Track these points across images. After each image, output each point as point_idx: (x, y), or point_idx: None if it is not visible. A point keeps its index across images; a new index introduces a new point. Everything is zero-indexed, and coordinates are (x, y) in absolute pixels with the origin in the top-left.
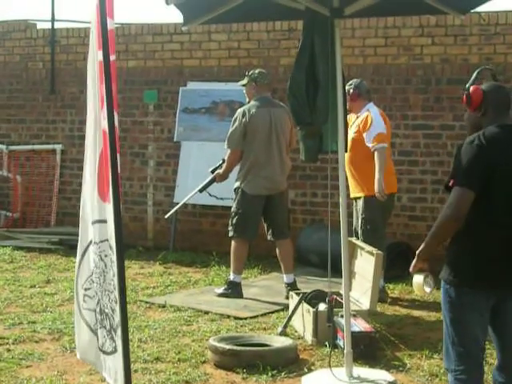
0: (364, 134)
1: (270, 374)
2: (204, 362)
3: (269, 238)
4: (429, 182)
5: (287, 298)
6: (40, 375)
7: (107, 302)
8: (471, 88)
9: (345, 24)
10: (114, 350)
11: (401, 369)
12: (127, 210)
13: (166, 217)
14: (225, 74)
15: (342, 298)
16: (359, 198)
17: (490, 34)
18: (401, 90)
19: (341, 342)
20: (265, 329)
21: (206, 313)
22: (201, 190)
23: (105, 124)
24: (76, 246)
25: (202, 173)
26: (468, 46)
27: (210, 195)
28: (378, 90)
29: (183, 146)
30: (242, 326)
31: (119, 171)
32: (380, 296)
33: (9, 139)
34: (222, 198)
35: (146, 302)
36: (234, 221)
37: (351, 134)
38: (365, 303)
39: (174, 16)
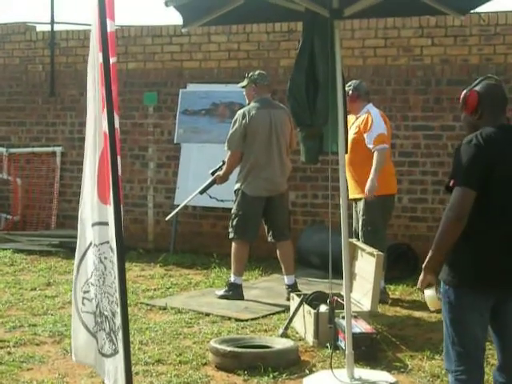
0: (365, 135)
1: (271, 375)
2: (205, 364)
3: (269, 239)
4: (429, 182)
5: (288, 299)
6: (41, 378)
7: (107, 304)
8: (467, 92)
9: (344, 25)
10: (114, 353)
11: (402, 370)
12: (128, 212)
13: (166, 219)
14: (225, 75)
15: (342, 300)
16: (359, 199)
17: (490, 35)
18: (401, 90)
19: (342, 344)
20: (266, 330)
21: (207, 315)
22: (201, 192)
23: (105, 126)
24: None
25: (203, 175)
26: (468, 47)
27: (211, 197)
28: (378, 91)
29: (183, 148)
30: (242, 327)
31: (120, 173)
32: (381, 297)
33: (9, 142)
34: (222, 200)
35: (147, 305)
36: (235, 222)
37: (351, 134)
38: (366, 304)
39: (174, 18)
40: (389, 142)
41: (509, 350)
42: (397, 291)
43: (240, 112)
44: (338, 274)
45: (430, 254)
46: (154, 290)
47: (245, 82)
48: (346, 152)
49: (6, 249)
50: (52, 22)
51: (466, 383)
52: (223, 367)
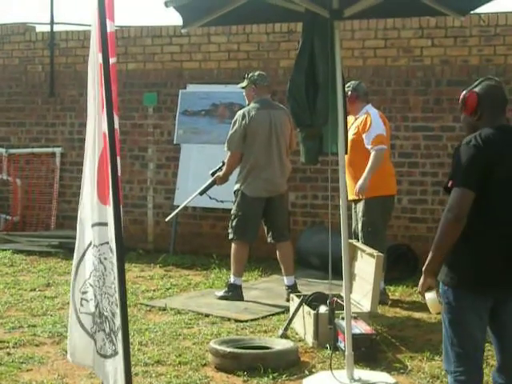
0: (363, 136)
1: (270, 376)
2: (205, 364)
3: (269, 240)
4: (429, 183)
5: (288, 300)
6: (40, 379)
7: (107, 305)
8: (466, 93)
9: (344, 26)
10: (114, 353)
11: (402, 371)
12: (127, 213)
13: (166, 220)
14: (224, 76)
15: (342, 300)
16: (359, 200)
17: (490, 36)
18: (401, 91)
19: (342, 344)
20: (265, 331)
21: (207, 315)
22: (201, 193)
23: (105, 127)
24: None
25: (202, 175)
26: (468, 48)
27: (211, 198)
28: (378, 91)
29: (183, 149)
30: (242, 328)
31: (119, 174)
32: (381, 298)
33: (8, 142)
34: (222, 201)
35: (147, 305)
36: (234, 223)
37: (350, 135)
38: (365, 305)
39: (174, 18)
40: (388, 142)
41: (508, 351)
42: (397, 292)
43: (240, 113)
44: (337, 274)
45: (429, 256)
46: (154, 290)
47: (245, 83)
48: (346, 153)
49: (5, 249)
50: (52, 23)
51: None
52: (223, 368)
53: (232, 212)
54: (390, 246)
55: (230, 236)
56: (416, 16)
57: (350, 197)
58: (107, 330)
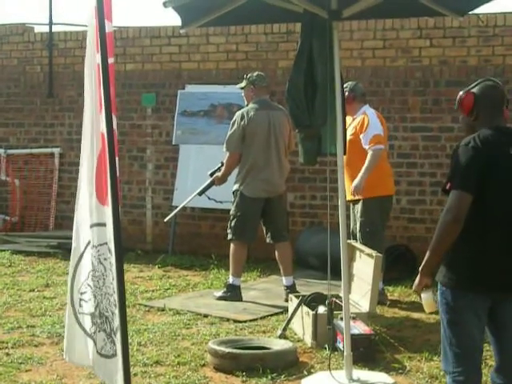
0: (361, 136)
1: (269, 376)
2: (203, 365)
3: (268, 240)
4: (428, 184)
5: (286, 300)
6: (39, 379)
7: (107, 305)
8: (463, 94)
9: (343, 26)
10: (115, 354)
11: (400, 371)
12: (126, 214)
13: (165, 220)
14: (223, 76)
15: (341, 301)
16: (357, 200)
17: (489, 36)
18: (399, 92)
19: (340, 345)
20: (264, 332)
21: (206, 316)
22: (200, 194)
23: (103, 127)
24: None
25: (201, 176)
26: (466, 48)
27: (209, 198)
28: (377, 92)
29: (182, 149)
30: (241, 329)
31: (118, 175)
32: (379, 298)
33: (7, 143)
34: (221, 201)
35: (145, 306)
36: (233, 223)
37: (348, 136)
38: (364, 306)
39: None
40: (385, 142)
41: (506, 352)
42: (395, 292)
43: (238, 113)
44: (336, 275)
45: (426, 257)
46: (153, 291)
47: (243, 84)
48: (345, 153)
49: (4, 250)
50: (50, 23)
51: None
52: (221, 368)
53: (231, 212)
54: (389, 246)
55: (229, 236)
56: (414, 16)
57: (349, 197)
58: (108, 330)
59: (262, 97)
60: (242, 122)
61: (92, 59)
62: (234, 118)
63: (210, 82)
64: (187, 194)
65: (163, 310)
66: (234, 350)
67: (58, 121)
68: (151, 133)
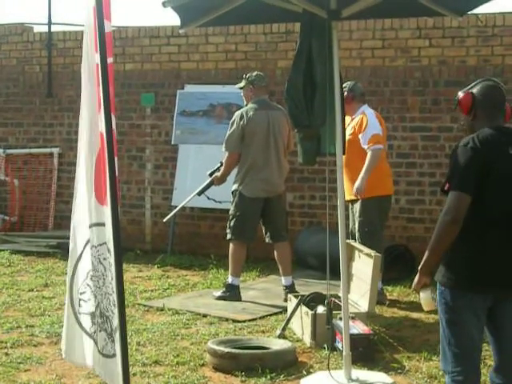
0: (359, 136)
1: (268, 376)
2: (203, 365)
3: (267, 240)
4: (427, 184)
5: (286, 300)
6: (38, 379)
7: (108, 305)
8: (461, 94)
9: (342, 26)
10: (115, 353)
11: (399, 371)
12: (125, 214)
13: (164, 220)
14: (222, 76)
15: (340, 301)
16: (356, 200)
17: (488, 36)
18: (398, 92)
19: (339, 345)
20: (263, 331)
21: (205, 316)
22: (199, 193)
23: (102, 127)
24: None
25: (200, 176)
26: (465, 48)
27: (209, 198)
28: (376, 92)
29: (181, 149)
30: (240, 328)
31: (117, 174)
32: (378, 298)
33: (6, 143)
34: (220, 201)
35: (145, 306)
36: (232, 223)
37: (346, 136)
38: (363, 305)
39: (171, 19)
40: (384, 142)
41: (506, 352)
42: (394, 292)
43: (238, 113)
44: (335, 275)
45: (425, 257)
46: (152, 291)
47: (242, 83)
48: (344, 153)
49: (3, 250)
50: (49, 23)
51: None
52: (221, 368)
53: (230, 212)
54: (388, 246)
55: (228, 236)
56: (414, 16)
57: (347, 197)
58: (109, 329)
59: (261, 97)
60: (241, 122)
61: (91, 59)
62: (233, 118)
63: (209, 81)
64: (186, 193)
65: (162, 310)
66: (233, 350)
67: (57, 121)
68: (150, 133)
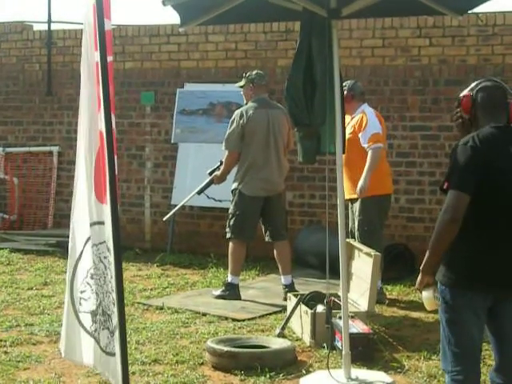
0: (359, 135)
1: (268, 375)
2: (202, 363)
3: (266, 239)
4: (427, 183)
5: (285, 299)
6: (37, 378)
7: (109, 303)
8: (462, 93)
9: (342, 25)
10: (115, 352)
11: (399, 370)
12: (124, 212)
13: (164, 219)
14: (222, 75)
15: (339, 300)
16: (355, 199)
17: (488, 35)
18: (398, 91)
19: (339, 344)
20: (263, 330)
21: (204, 315)
22: (199, 193)
23: (102, 126)
24: None
25: (200, 174)
26: (466, 47)
27: (208, 197)
28: (376, 91)
29: (180, 148)
30: (239, 327)
31: (116, 173)
32: (378, 297)
33: (5, 141)
34: (220, 200)
35: (144, 304)
36: (232, 222)
37: (346, 135)
38: (363, 305)
39: (171, 17)
40: (384, 141)
41: (506, 352)
42: (394, 291)
43: (238, 112)
44: (335, 274)
45: (426, 257)
46: (151, 289)
47: (242, 82)
48: (344, 152)
49: (2, 248)
50: (49, 21)
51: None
52: (220, 367)
53: (230, 211)
54: (388, 245)
55: (228, 235)
56: (414, 15)
57: (347, 196)
58: (111, 328)
59: (261, 95)
60: (241, 121)
61: (90, 57)
62: (233, 117)
63: (209, 80)
64: (186, 192)
65: (162, 309)
66: (233, 349)
67: (56, 119)
68: (150, 131)
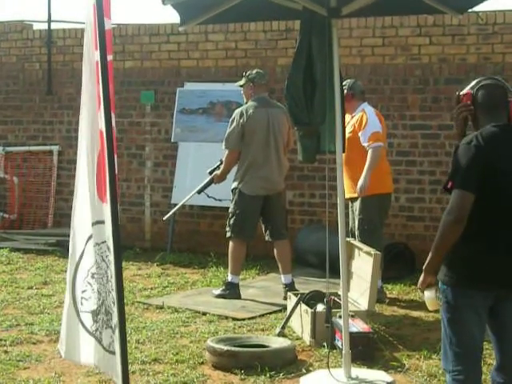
0: (359, 134)
1: (268, 374)
2: (202, 363)
3: (267, 238)
4: (427, 182)
5: (285, 298)
6: (37, 377)
7: (111, 302)
8: (462, 92)
9: (342, 24)
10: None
11: (399, 369)
12: (124, 211)
13: (164, 219)
14: (222, 74)
15: (339, 299)
16: (355, 198)
17: (488, 34)
18: (398, 90)
19: (339, 343)
20: (263, 330)
21: (204, 314)
22: (199, 192)
23: (102, 125)
24: None
25: (200, 173)
26: (466, 46)
27: (208, 196)
28: (376, 90)
29: (180, 147)
30: (239, 326)
31: (117, 172)
32: (378, 296)
33: (5, 140)
34: (220, 199)
35: (144, 304)
36: (232, 221)
37: (346, 134)
38: (363, 304)
39: (171, 16)
40: (384, 140)
41: (507, 352)
42: (394, 290)
43: (238, 111)
44: (335, 273)
45: (429, 256)
46: (151, 289)
47: (242, 81)
48: (344, 151)
49: (2, 247)
50: (49, 21)
51: (463, 383)
52: (220, 366)
53: (230, 210)
54: (388, 244)
55: (228, 234)
56: (414, 14)
57: (347, 195)
58: (113, 326)
59: (261, 94)
60: (241, 120)
61: (91, 57)
62: (233, 116)
63: (209, 79)
64: (186, 191)
65: (162, 308)
66: (233, 348)
67: (56, 118)
68: (150, 130)
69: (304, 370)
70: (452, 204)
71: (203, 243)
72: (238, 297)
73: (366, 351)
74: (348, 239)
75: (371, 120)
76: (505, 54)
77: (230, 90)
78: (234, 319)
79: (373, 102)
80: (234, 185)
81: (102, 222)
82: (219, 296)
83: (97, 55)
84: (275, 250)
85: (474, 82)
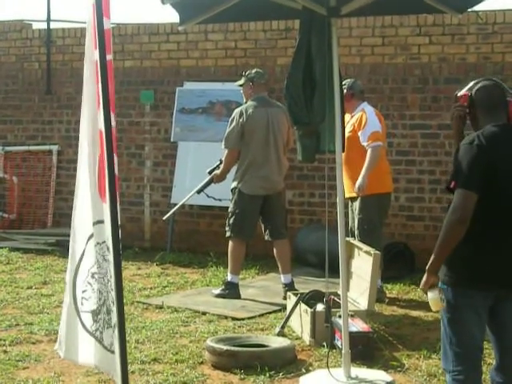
0: (359, 133)
1: (267, 374)
2: (201, 362)
3: (266, 238)
4: (426, 181)
5: (285, 298)
6: (37, 377)
7: (112, 301)
8: (460, 93)
9: (342, 23)
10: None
11: (399, 369)
12: (124, 211)
13: (163, 218)
14: (222, 73)
15: (339, 299)
16: (355, 198)
17: (488, 33)
18: (398, 89)
19: (339, 343)
20: (262, 329)
21: (204, 314)
22: (198, 191)
23: (101, 125)
24: None
25: (199, 173)
26: (465, 45)
27: (208, 196)
28: (376, 89)
29: (180, 147)
30: (239, 326)
31: (117, 172)
32: (378, 296)
33: (5, 140)
34: (219, 199)
35: (144, 303)
36: (231, 221)
37: (346, 133)
38: (362, 303)
39: (171, 16)
40: (383, 140)
41: (507, 351)
42: (394, 290)
43: (237, 110)
44: (335, 272)
45: (432, 257)
46: (151, 288)
47: (242, 81)
48: (343, 151)
49: (2, 247)
50: (48, 20)
51: (463, 383)
52: (220, 366)
53: (229, 210)
54: (387, 244)
55: (228, 233)
56: (414, 13)
57: (347, 194)
58: (114, 326)
59: (261, 94)
60: (241, 119)
61: (90, 56)
62: (232, 115)
63: (209, 79)
64: (185, 191)
65: (161, 308)
66: (232, 348)
67: (56, 118)
68: (149, 130)
69: (304, 370)
70: (455, 204)
71: (203, 243)
72: (238, 296)
73: (365, 351)
74: (348, 239)
75: (371, 119)
76: (504, 54)
77: (230, 90)
78: (234, 319)
79: (372, 101)
80: (234, 184)
81: (103, 222)
82: (219, 296)
83: (96, 55)
84: (275, 250)
85: (471, 83)
